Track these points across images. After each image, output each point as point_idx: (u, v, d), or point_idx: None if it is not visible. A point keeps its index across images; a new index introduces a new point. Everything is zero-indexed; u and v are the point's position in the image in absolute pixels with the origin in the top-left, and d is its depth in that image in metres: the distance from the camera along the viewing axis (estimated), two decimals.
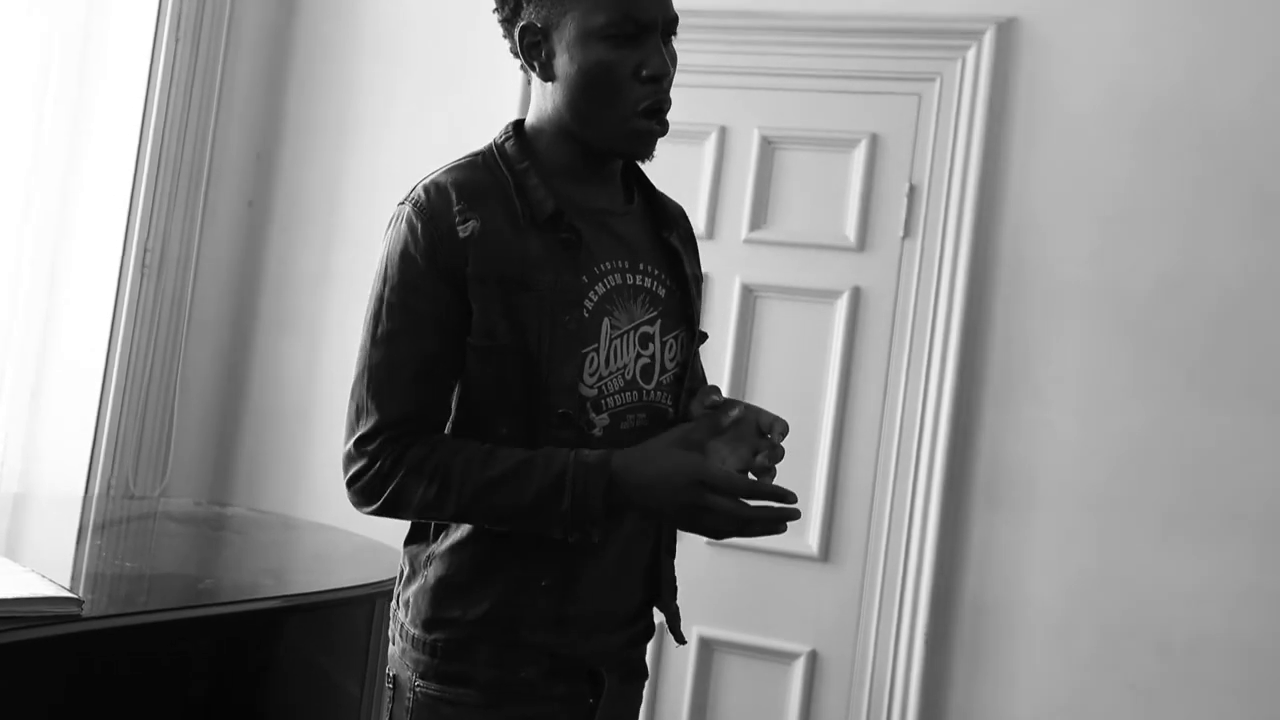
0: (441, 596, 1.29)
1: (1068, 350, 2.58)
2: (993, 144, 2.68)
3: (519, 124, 1.37)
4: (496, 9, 1.32)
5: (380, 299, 1.27)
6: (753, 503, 1.21)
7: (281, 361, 3.25)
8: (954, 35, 2.74)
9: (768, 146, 2.86)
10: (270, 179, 3.32)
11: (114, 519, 2.41)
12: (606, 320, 1.29)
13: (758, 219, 2.86)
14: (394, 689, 1.32)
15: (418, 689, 1.28)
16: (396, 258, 1.26)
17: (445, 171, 1.31)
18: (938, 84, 2.76)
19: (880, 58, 2.81)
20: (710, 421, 1.28)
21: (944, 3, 2.76)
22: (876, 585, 2.67)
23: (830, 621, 2.71)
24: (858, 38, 2.81)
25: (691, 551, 2.85)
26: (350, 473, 1.26)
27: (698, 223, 2.85)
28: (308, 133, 3.29)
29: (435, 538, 1.32)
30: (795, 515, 1.20)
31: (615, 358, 1.29)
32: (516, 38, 1.31)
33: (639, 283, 1.34)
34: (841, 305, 2.77)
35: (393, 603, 1.37)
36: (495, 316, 1.25)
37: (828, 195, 2.80)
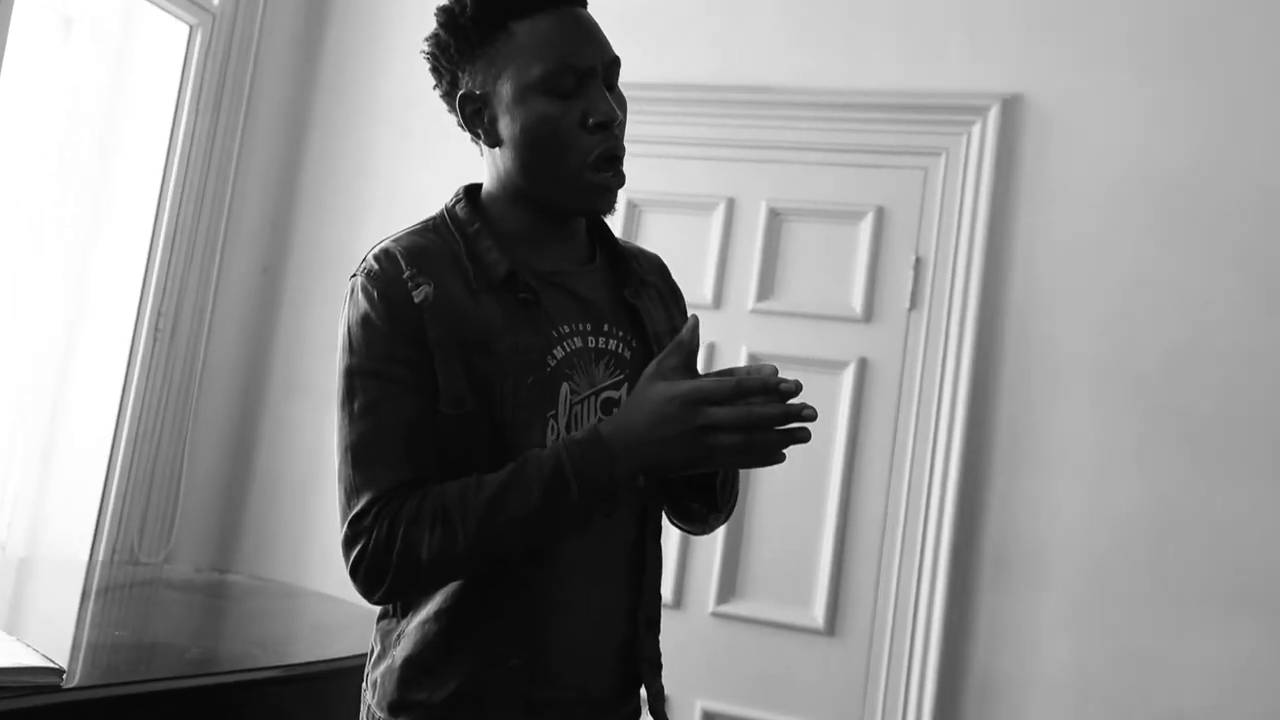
0: (408, 677, 1.23)
1: (1075, 424, 2.56)
2: (999, 218, 2.69)
3: (472, 188, 1.34)
4: (436, 85, 1.30)
5: (350, 373, 1.22)
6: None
7: (291, 428, 3.26)
8: (960, 111, 2.76)
9: (775, 218, 2.87)
10: (285, 246, 3.36)
11: (114, 585, 2.41)
12: (565, 385, 1.24)
13: (765, 289, 2.87)
14: None
15: None
16: (359, 328, 1.22)
17: (394, 240, 1.27)
18: (944, 159, 2.78)
19: (887, 132, 2.83)
20: (682, 344, 1.18)
21: (950, 79, 2.79)
22: (883, 660, 2.63)
23: (835, 697, 2.66)
24: (865, 113, 2.84)
25: (694, 622, 2.85)
26: (352, 557, 1.18)
27: (704, 292, 2.87)
28: (322, 201, 3.34)
29: (404, 614, 1.26)
30: (809, 413, 1.10)
31: (576, 424, 1.24)
32: (458, 108, 1.28)
33: (602, 345, 1.30)
34: (848, 376, 2.77)
35: (363, 684, 1.31)
36: (460, 383, 1.20)
37: (834, 267, 2.81)
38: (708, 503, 1.37)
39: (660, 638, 1.37)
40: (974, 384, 2.63)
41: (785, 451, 1.13)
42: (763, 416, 1.10)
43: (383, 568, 1.16)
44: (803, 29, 2.94)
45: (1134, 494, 2.50)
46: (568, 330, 1.27)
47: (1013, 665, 2.53)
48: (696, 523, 1.42)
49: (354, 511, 1.18)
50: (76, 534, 2.93)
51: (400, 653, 1.24)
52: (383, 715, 1.24)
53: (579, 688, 1.27)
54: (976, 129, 2.74)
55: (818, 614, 2.69)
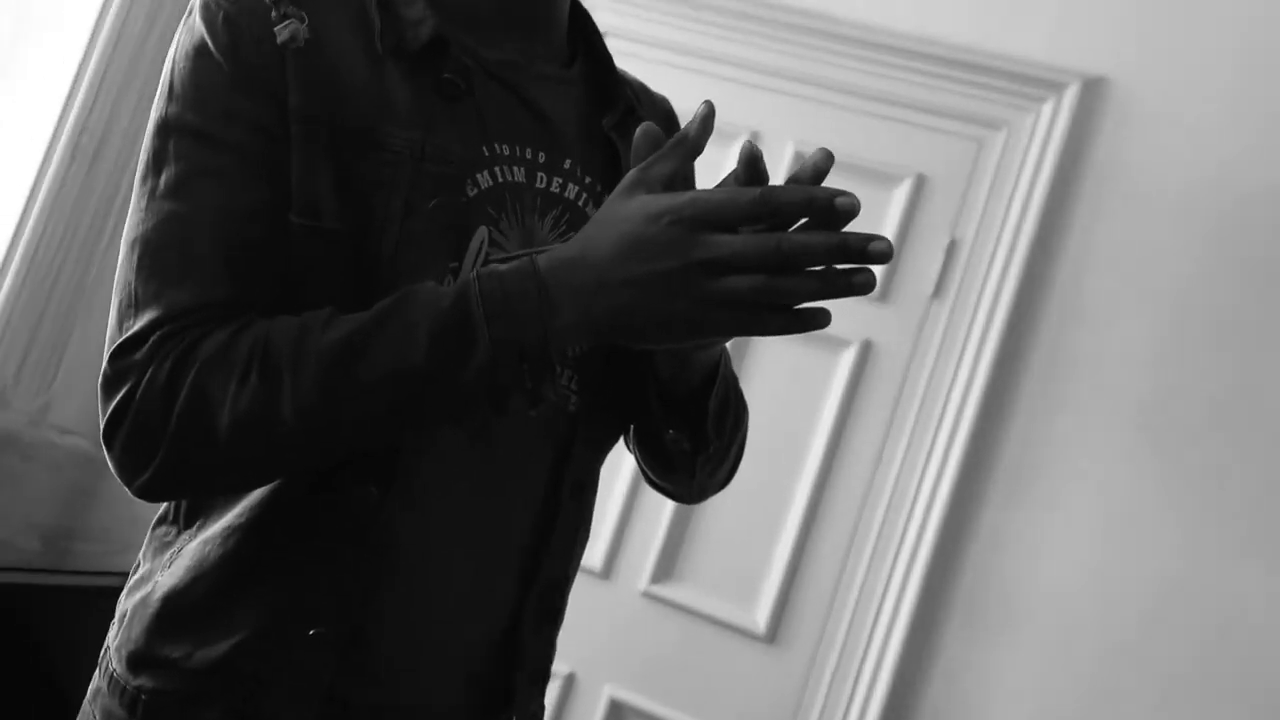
0: (164, 620, 0.84)
1: (1092, 464, 2.24)
2: (1053, 212, 2.34)
3: None
4: None
5: (164, 129, 0.82)
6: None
7: None
8: (1033, 83, 2.40)
9: (800, 163, 2.50)
10: None
11: None
12: (484, 231, 0.86)
13: None
14: None
15: None
16: (187, 65, 0.82)
17: None
18: (1004, 134, 2.42)
19: (944, 91, 2.46)
20: (682, 143, 0.78)
21: (1029, 46, 2.42)
22: (823, 683, 2.31)
23: (762, 713, 2.35)
24: (924, 64, 2.47)
25: (621, 596, 2.52)
26: (110, 410, 0.77)
27: None
28: None
29: (190, 522, 0.87)
30: (879, 247, 0.71)
31: None
32: None
33: (555, 188, 0.91)
34: (847, 357, 2.42)
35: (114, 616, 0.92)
36: (321, 182, 0.81)
37: (856, 230, 2.44)
38: (693, 433, 0.96)
39: (558, 637, 0.98)
40: (987, 394, 2.30)
41: (821, 321, 0.74)
42: (803, 246, 0.71)
43: (154, 431, 0.76)
44: None
45: (1146, 557, 2.19)
46: (506, 152, 0.88)
47: (964, 716, 2.23)
48: (679, 472, 1.01)
49: (125, 337, 0.78)
50: None
51: (166, 580, 0.85)
52: (120, 669, 0.86)
53: (418, 694, 0.88)
54: (1048, 107, 2.38)
55: (760, 617, 2.37)
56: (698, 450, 0.98)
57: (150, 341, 0.77)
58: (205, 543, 0.85)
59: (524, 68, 0.92)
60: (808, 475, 2.40)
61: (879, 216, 2.44)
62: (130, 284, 0.80)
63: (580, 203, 0.92)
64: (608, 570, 2.45)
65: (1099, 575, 2.21)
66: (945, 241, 2.41)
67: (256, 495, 0.83)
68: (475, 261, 0.85)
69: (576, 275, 0.75)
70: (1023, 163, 2.38)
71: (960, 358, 2.33)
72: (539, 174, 0.90)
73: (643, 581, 2.44)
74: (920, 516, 2.29)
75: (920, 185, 2.45)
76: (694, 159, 0.79)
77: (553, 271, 0.76)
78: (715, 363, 0.96)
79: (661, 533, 2.44)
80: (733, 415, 1.00)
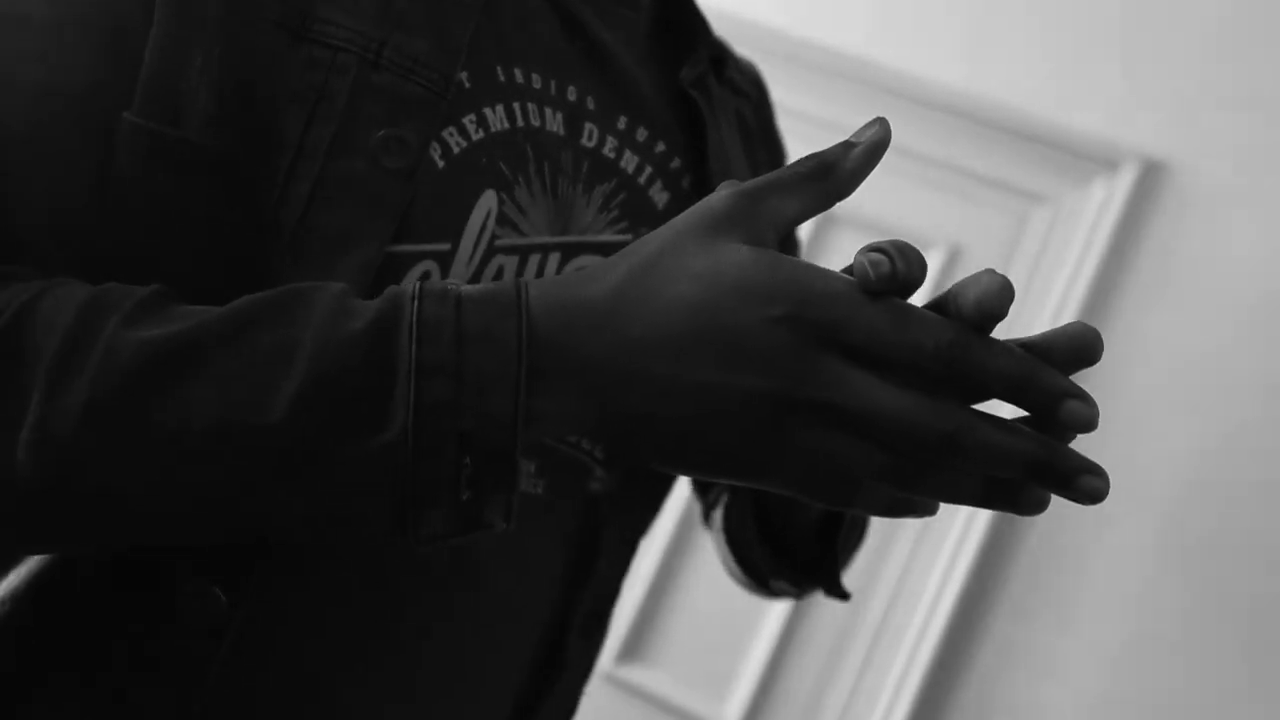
0: None
1: (1109, 577, 2.01)
2: (1099, 299, 2.13)
3: None
4: None
5: None
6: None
7: None
8: (1088, 158, 2.20)
9: (825, 222, 2.30)
10: None
11: None
12: (491, 199, 0.56)
13: None
14: None
15: None
16: None
17: None
18: (1051, 209, 2.22)
19: (988, 156, 2.27)
20: (823, 165, 0.52)
21: (1087, 120, 2.23)
22: None
23: None
24: (973, 126, 2.27)
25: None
26: None
27: None
28: None
29: None
30: (1091, 486, 0.46)
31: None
32: None
33: (608, 151, 0.61)
34: None
35: None
36: (193, 75, 0.51)
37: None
38: (808, 577, 0.71)
39: None
40: None
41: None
42: (987, 449, 0.44)
43: None
44: (930, 11, 2.36)
45: (1133, 687, 1.96)
46: (537, 85, 0.59)
47: None
48: (769, 581, 0.78)
49: None
50: None
51: None
52: None
53: None
54: (1100, 184, 2.18)
55: (732, 711, 2.13)
56: (802, 574, 0.72)
57: None
58: (27, 595, 0.54)
59: None
60: None
61: None
62: None
63: (643, 181, 0.63)
64: None
65: (1094, 708, 1.97)
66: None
67: (37, 564, 0.53)
68: (480, 252, 0.55)
69: (593, 340, 0.45)
70: (1069, 240, 2.17)
71: None
72: (586, 126, 0.60)
73: (609, 661, 2.20)
74: (922, 618, 2.05)
75: (956, 255, 2.25)
76: (836, 203, 0.52)
77: (552, 317, 0.46)
78: None
79: (633, 609, 2.20)
80: (858, 535, 0.75)
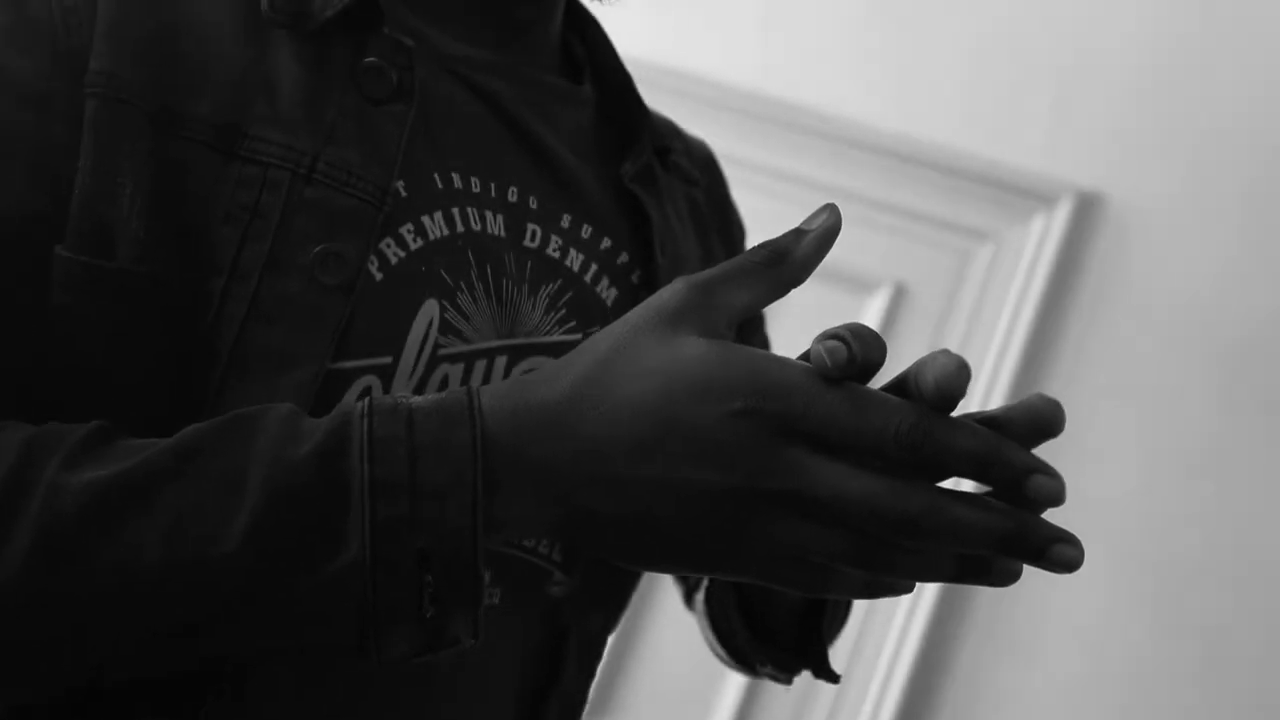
0: None
1: (1069, 611, 2.03)
2: (1041, 335, 2.16)
3: None
4: None
5: None
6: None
7: None
8: (1024, 194, 2.24)
9: None
10: None
11: None
12: (433, 308, 0.55)
13: None
14: None
15: None
16: None
17: None
18: (991, 246, 2.25)
19: (928, 197, 2.30)
20: (776, 253, 0.52)
21: (1020, 154, 2.27)
22: None
23: None
24: (907, 166, 2.31)
25: None
26: None
27: None
28: None
29: None
30: (1063, 555, 0.50)
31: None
32: None
33: (552, 251, 0.61)
34: None
35: None
36: (124, 202, 0.50)
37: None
38: (795, 660, 0.71)
39: None
40: None
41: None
42: (955, 527, 0.45)
43: None
44: (861, 55, 2.41)
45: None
46: (476, 189, 0.58)
47: None
48: (755, 666, 0.78)
49: None
50: None
51: None
52: None
53: None
54: (1038, 220, 2.22)
55: None
56: (790, 657, 0.72)
57: None
58: None
59: (510, 72, 0.63)
60: None
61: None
62: None
63: (589, 278, 0.63)
64: None
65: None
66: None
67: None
68: (422, 360, 0.55)
69: (549, 442, 0.45)
70: (1011, 275, 2.21)
71: None
72: (529, 226, 0.61)
73: None
74: (888, 661, 2.05)
75: (900, 295, 2.28)
76: (790, 290, 0.52)
77: (505, 422, 0.45)
78: None
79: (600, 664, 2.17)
80: (842, 615, 0.74)
